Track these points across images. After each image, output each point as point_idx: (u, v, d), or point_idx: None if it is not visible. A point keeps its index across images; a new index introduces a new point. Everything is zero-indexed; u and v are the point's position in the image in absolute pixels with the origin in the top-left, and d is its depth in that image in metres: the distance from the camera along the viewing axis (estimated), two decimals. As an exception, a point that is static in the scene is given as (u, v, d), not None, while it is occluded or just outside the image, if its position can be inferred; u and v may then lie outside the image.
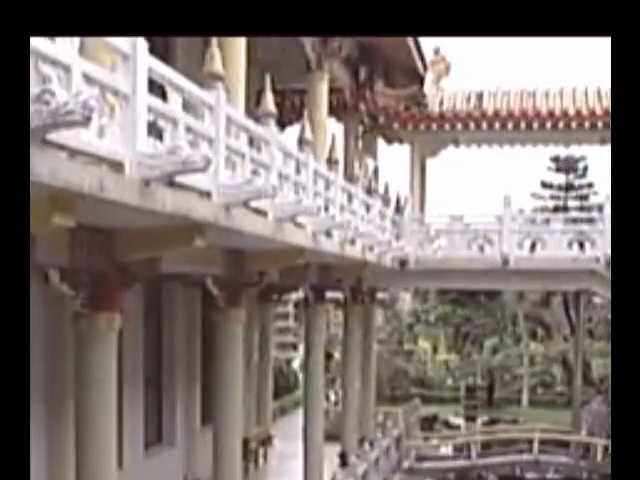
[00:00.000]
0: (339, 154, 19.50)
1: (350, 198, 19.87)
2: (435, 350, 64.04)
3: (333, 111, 25.99)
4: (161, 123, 9.64)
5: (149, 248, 10.93)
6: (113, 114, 8.53)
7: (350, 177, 20.43)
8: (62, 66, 7.48)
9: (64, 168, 7.30)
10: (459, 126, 29.13)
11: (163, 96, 9.77)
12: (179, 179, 9.37)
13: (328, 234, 17.03)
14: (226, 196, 11.00)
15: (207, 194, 10.61)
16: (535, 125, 28.81)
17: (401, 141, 30.75)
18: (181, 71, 10.22)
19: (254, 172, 12.58)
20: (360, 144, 29.05)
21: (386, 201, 25.00)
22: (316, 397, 21.84)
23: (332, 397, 42.97)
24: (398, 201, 26.90)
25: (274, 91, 14.23)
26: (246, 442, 23.39)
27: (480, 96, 29.97)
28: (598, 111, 28.19)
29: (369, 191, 22.54)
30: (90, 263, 10.33)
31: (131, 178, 8.51)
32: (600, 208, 27.65)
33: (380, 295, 31.75)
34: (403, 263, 26.13)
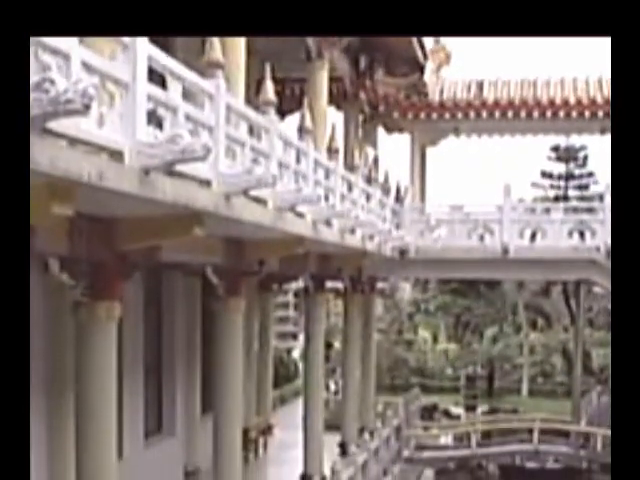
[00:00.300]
0: (339, 143, 19.48)
1: (350, 187, 19.87)
2: (435, 340, 64.12)
3: (333, 100, 25.94)
4: (161, 112, 9.63)
5: (148, 237, 10.93)
6: (113, 103, 8.52)
7: (350, 166, 20.44)
8: (61, 54, 7.47)
9: (64, 157, 7.30)
10: (459, 115, 29.16)
11: (163, 85, 9.76)
12: (179, 168, 9.37)
13: (328, 223, 17.03)
14: (226, 185, 11.00)
15: (207, 183, 10.60)
16: (535, 114, 28.84)
17: (401, 130, 30.75)
18: (181, 60, 10.21)
19: (254, 161, 12.58)
20: (360, 133, 29.02)
21: (386, 190, 25.01)
22: (316, 386, 21.90)
23: (332, 387, 43.07)
24: (398, 190, 26.91)
25: (274, 80, 14.21)
26: (246, 431, 23.41)
27: (480, 85, 29.98)
28: (599, 100, 28.21)
29: (369, 180, 22.54)
30: (90, 252, 10.33)
31: (131, 167, 8.50)
32: (601, 197, 27.71)
33: (380, 285, 31.75)
34: (403, 252, 26.15)
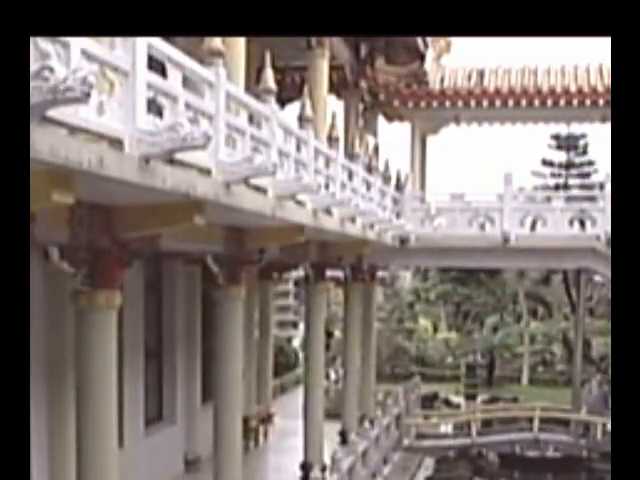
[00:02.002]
0: (339, 131, 19.47)
1: (350, 176, 19.88)
2: (435, 328, 64.20)
3: (333, 88, 25.89)
4: (161, 100, 9.62)
5: (149, 225, 10.93)
6: (113, 91, 8.51)
7: (350, 155, 20.42)
8: (61, 42, 7.46)
9: (64, 145, 7.31)
10: (460, 103, 29.11)
11: (163, 73, 9.74)
12: (179, 156, 9.37)
13: (328, 212, 17.04)
14: (226, 173, 11.01)
15: (207, 171, 10.60)
16: (536, 102, 28.79)
17: (402, 119, 30.70)
18: (181, 48, 10.20)
19: (254, 149, 12.57)
20: (360, 121, 28.93)
21: (386, 179, 25.01)
22: (316, 375, 21.97)
23: (332, 375, 43.08)
24: (398, 179, 26.90)
25: (274, 68, 14.20)
26: (246, 420, 23.48)
27: (481, 73, 29.93)
28: (599, 89, 28.15)
29: (369, 169, 22.53)
30: (90, 240, 10.35)
31: (131, 155, 8.51)
32: (601, 186, 27.69)
33: (380, 273, 31.75)
34: (404, 241, 26.17)
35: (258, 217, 13.10)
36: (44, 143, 6.95)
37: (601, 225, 25.65)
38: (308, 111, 15.99)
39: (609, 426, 29.03)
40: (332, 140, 18.40)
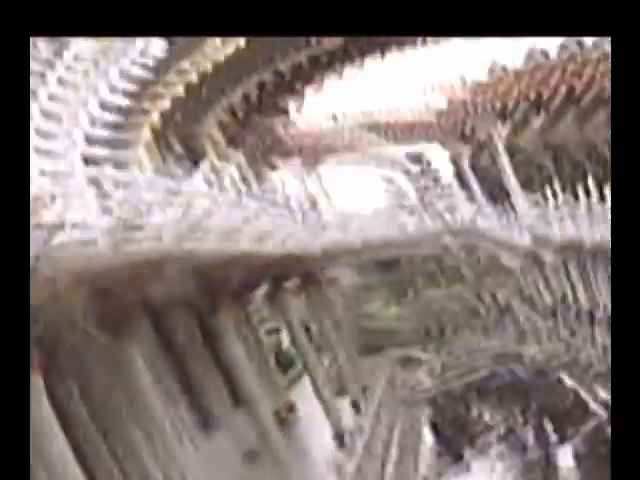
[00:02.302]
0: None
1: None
2: (389, 308, 65.58)
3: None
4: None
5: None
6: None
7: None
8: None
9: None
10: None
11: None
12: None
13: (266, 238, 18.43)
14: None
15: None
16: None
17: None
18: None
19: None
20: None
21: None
22: (311, 364, 23.99)
23: (325, 362, 43.94)
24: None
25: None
26: (277, 413, 23.26)
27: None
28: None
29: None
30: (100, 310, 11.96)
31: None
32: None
33: (327, 274, 32.73)
34: (329, 247, 27.60)
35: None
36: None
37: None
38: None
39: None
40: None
